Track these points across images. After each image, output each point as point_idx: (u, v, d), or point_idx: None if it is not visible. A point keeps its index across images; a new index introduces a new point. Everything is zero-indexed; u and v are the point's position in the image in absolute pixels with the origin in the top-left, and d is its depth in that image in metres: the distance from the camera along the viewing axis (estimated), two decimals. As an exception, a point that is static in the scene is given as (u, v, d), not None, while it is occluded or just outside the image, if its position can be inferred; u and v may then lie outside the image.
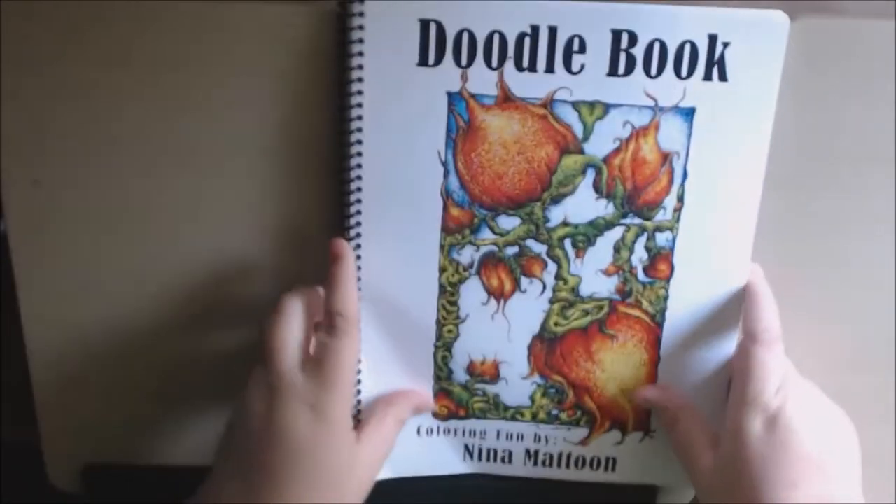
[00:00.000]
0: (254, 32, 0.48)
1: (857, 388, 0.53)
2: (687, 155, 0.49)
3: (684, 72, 0.47)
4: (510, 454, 0.55)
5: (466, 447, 0.56)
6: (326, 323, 0.48)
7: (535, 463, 0.55)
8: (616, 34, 0.47)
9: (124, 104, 0.49)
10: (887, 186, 0.51)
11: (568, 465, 0.55)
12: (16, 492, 0.62)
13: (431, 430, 0.55)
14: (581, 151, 0.49)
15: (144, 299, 0.53)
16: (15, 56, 0.48)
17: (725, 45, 0.47)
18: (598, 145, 0.49)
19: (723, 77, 0.47)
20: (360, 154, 0.49)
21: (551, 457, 0.55)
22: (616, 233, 0.51)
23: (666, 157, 0.49)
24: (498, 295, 0.52)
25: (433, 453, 0.56)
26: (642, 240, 0.51)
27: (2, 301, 0.55)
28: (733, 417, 0.49)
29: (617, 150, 0.49)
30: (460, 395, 0.54)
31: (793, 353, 0.53)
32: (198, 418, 0.56)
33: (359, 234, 0.50)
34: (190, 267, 0.52)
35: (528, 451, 0.55)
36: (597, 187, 0.50)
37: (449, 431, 0.55)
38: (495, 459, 0.55)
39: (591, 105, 0.48)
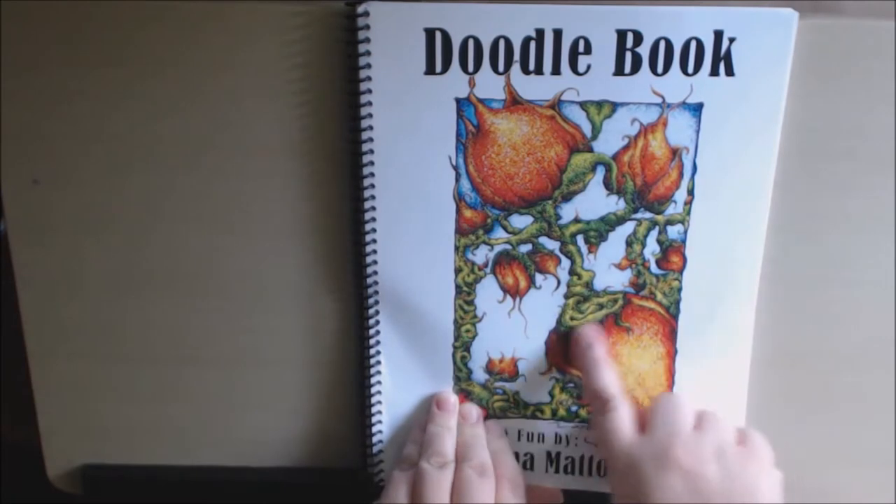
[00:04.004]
0: (258, 32, 0.48)
1: (857, 388, 0.54)
2: (696, 149, 0.49)
3: (691, 68, 0.48)
4: (532, 458, 0.56)
5: (488, 451, 0.56)
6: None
7: (557, 469, 0.56)
8: (621, 34, 0.47)
9: (124, 104, 0.50)
10: (887, 186, 0.51)
11: (590, 472, 0.56)
12: (16, 492, 0.63)
13: (453, 432, 0.56)
14: (590, 150, 0.50)
15: (145, 299, 0.54)
16: (15, 56, 0.49)
17: (731, 40, 0.47)
18: (607, 143, 0.49)
19: (730, 72, 0.48)
20: (372, 163, 0.49)
21: (573, 461, 0.56)
22: (628, 227, 0.51)
23: (675, 153, 0.50)
24: (513, 292, 0.53)
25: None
26: (654, 233, 0.51)
27: (2, 301, 0.56)
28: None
29: (626, 147, 0.50)
30: (480, 394, 0.55)
31: (793, 353, 0.54)
32: (198, 418, 0.56)
33: (374, 240, 0.51)
34: (192, 267, 0.53)
35: (549, 454, 0.56)
36: (607, 184, 0.50)
37: (470, 434, 0.56)
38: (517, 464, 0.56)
39: (599, 104, 0.49)
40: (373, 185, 0.50)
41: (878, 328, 0.53)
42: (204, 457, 0.57)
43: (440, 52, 0.47)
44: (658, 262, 0.52)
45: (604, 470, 0.56)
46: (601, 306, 0.53)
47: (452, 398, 0.54)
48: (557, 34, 0.47)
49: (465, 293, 0.53)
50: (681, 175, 0.50)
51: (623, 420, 0.49)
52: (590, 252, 0.52)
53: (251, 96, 0.49)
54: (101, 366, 0.55)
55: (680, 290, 0.52)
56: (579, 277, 0.52)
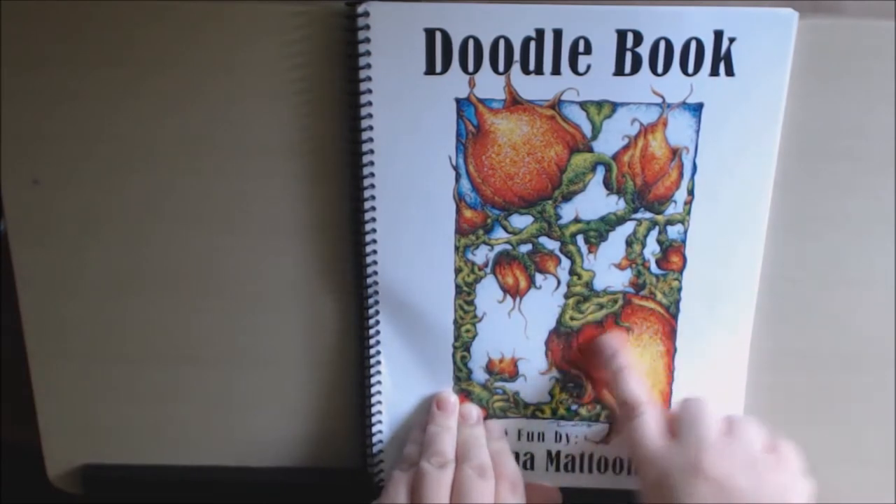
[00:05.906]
0: (258, 32, 0.48)
1: (857, 388, 0.54)
2: (696, 149, 0.49)
3: (691, 68, 0.48)
4: (532, 458, 0.56)
5: (488, 451, 0.57)
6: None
7: (557, 468, 0.56)
8: (621, 34, 0.47)
9: (124, 104, 0.50)
10: (887, 186, 0.51)
11: (590, 469, 0.56)
12: (16, 492, 0.63)
13: (453, 432, 0.56)
14: (590, 150, 0.50)
15: (145, 299, 0.54)
16: (15, 56, 0.49)
17: (731, 40, 0.47)
18: (607, 143, 0.50)
19: (730, 72, 0.48)
20: (372, 163, 0.49)
21: (573, 459, 0.56)
22: (628, 227, 0.51)
23: (675, 153, 0.50)
24: (513, 292, 0.53)
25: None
26: (654, 233, 0.51)
27: (2, 301, 0.56)
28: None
29: (626, 147, 0.50)
30: (480, 394, 0.55)
31: (793, 353, 0.54)
32: (198, 418, 0.56)
33: (374, 240, 0.51)
34: (192, 267, 0.53)
35: (549, 453, 0.56)
36: (607, 184, 0.50)
37: (470, 434, 0.56)
38: (517, 464, 0.56)
39: (599, 104, 0.49)
40: (373, 185, 0.50)
41: (878, 328, 0.53)
42: (204, 457, 0.57)
43: (440, 52, 0.47)
44: (658, 262, 0.52)
45: (602, 466, 0.56)
46: (601, 306, 0.53)
47: (452, 398, 0.54)
48: (557, 34, 0.47)
49: (465, 293, 0.53)
50: (681, 175, 0.50)
51: (651, 426, 0.49)
52: (590, 252, 0.52)
53: (251, 96, 0.49)
54: (101, 366, 0.55)
55: (680, 290, 0.53)
56: (579, 277, 0.52)
